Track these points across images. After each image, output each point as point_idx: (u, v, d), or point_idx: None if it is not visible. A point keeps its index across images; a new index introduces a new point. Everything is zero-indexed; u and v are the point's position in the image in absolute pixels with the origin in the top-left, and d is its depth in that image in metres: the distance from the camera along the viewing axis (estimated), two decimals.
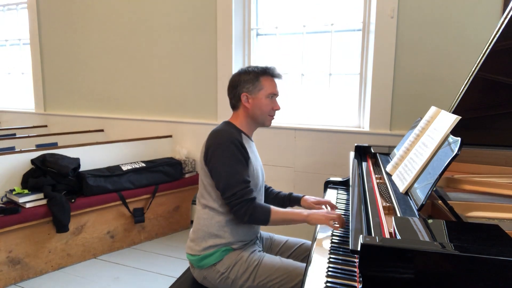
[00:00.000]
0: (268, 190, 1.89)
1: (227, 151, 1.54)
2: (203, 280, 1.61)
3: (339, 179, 2.12)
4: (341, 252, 1.32)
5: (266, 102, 1.63)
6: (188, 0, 3.36)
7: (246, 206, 1.50)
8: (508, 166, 1.71)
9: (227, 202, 1.54)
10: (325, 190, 2.06)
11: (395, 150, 1.75)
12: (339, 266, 1.21)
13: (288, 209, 1.59)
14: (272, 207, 1.55)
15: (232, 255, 1.58)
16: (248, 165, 1.58)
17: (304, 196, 1.80)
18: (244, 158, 1.56)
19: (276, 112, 1.69)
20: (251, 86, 1.62)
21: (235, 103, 1.68)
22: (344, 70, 3.03)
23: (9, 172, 2.69)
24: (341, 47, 3.03)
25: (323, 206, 1.73)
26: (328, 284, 1.10)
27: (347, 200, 1.88)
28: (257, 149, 1.78)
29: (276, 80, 1.68)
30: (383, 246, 0.86)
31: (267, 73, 1.65)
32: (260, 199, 1.70)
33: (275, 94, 1.66)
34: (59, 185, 2.71)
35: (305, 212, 1.53)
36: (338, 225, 1.46)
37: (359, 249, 0.88)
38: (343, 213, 1.72)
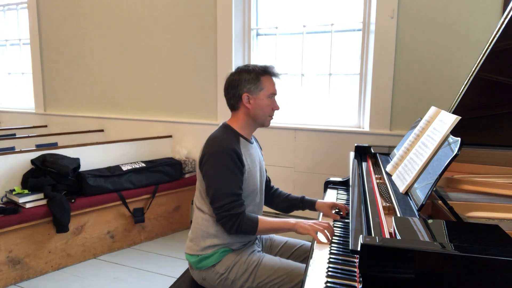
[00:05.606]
0: (276, 192, 1.88)
1: (220, 160, 1.52)
2: (202, 281, 1.61)
3: (339, 179, 2.11)
4: (341, 252, 1.31)
5: (267, 103, 1.61)
6: (188, 0, 3.36)
7: (233, 220, 1.50)
8: (508, 166, 1.71)
9: (215, 212, 1.54)
10: (325, 190, 2.06)
11: (395, 150, 1.75)
12: (339, 266, 1.20)
13: (276, 219, 1.58)
14: (260, 217, 1.55)
15: (231, 256, 1.58)
16: (243, 174, 1.56)
17: (317, 200, 1.78)
18: (238, 168, 1.53)
19: (275, 112, 1.68)
20: (253, 86, 1.59)
21: (234, 104, 1.64)
22: (344, 70, 3.03)
23: (9, 172, 2.69)
24: (341, 47, 3.03)
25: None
26: (328, 284, 1.10)
27: (347, 200, 1.88)
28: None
29: (275, 79, 1.65)
30: (383, 246, 0.86)
31: (267, 73, 1.62)
32: (258, 202, 1.68)
33: (274, 94, 1.64)
34: (59, 185, 2.71)
35: (292, 220, 1.53)
36: (324, 238, 1.41)
37: (359, 249, 0.88)
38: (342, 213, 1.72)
